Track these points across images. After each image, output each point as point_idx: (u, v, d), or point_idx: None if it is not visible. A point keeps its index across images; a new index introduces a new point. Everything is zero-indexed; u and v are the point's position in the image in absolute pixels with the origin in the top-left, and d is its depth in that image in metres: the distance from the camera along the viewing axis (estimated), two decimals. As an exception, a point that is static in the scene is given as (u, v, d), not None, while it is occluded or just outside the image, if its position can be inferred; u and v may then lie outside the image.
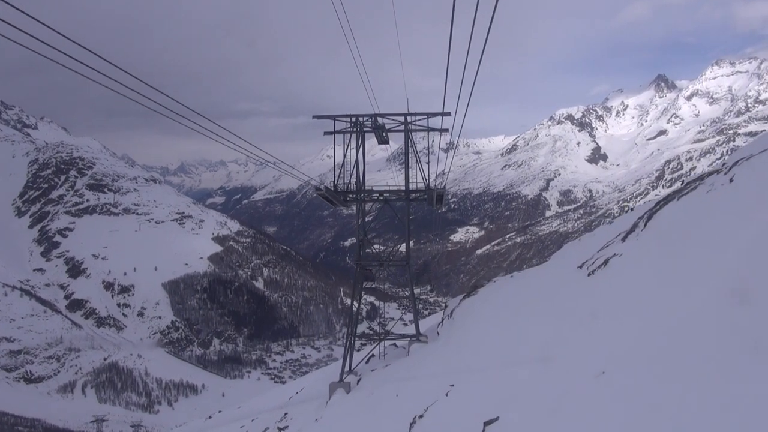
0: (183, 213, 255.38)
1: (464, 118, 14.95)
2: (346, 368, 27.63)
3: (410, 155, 26.54)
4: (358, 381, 25.47)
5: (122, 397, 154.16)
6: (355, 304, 28.17)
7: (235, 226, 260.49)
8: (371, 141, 28.85)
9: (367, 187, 27.55)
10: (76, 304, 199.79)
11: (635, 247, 13.34)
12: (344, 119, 25.79)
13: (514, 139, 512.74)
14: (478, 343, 17.30)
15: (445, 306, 27.54)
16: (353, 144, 26.04)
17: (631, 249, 13.43)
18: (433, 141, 26.71)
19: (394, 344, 30.19)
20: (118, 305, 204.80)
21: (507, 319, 17.21)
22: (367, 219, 30.64)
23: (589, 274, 14.03)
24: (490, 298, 21.87)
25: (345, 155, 25.64)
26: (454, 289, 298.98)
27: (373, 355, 29.70)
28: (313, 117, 25.74)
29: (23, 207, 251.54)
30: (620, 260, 13.13)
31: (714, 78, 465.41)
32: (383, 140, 27.41)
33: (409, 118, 26.19)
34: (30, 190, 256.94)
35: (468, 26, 7.89)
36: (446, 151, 33.76)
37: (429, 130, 25.99)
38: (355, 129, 25.70)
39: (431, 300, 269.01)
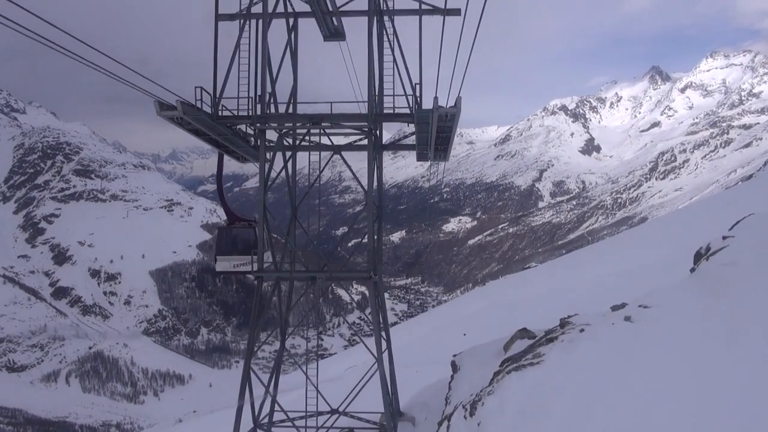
0: (172, 200, 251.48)
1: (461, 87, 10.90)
2: None
3: (382, 49, 15.13)
4: None
5: (107, 387, 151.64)
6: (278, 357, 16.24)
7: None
8: (313, 37, 16.85)
9: (290, 112, 15.92)
10: (61, 292, 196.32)
11: None
12: None
13: (508, 130, 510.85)
14: None
15: (454, 366, 14.11)
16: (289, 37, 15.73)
17: None
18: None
19: None
20: (105, 293, 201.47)
21: None
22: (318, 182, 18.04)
23: None
24: (596, 407, 7.31)
25: (255, 47, 14.84)
26: (446, 280, 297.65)
27: None
28: None
29: (8, 192, 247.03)
30: None
31: (708, 70, 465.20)
32: (332, 30, 16.20)
33: None
34: (15, 175, 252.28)
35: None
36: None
37: (422, 12, 15.07)
38: None
39: (422, 290, 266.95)
